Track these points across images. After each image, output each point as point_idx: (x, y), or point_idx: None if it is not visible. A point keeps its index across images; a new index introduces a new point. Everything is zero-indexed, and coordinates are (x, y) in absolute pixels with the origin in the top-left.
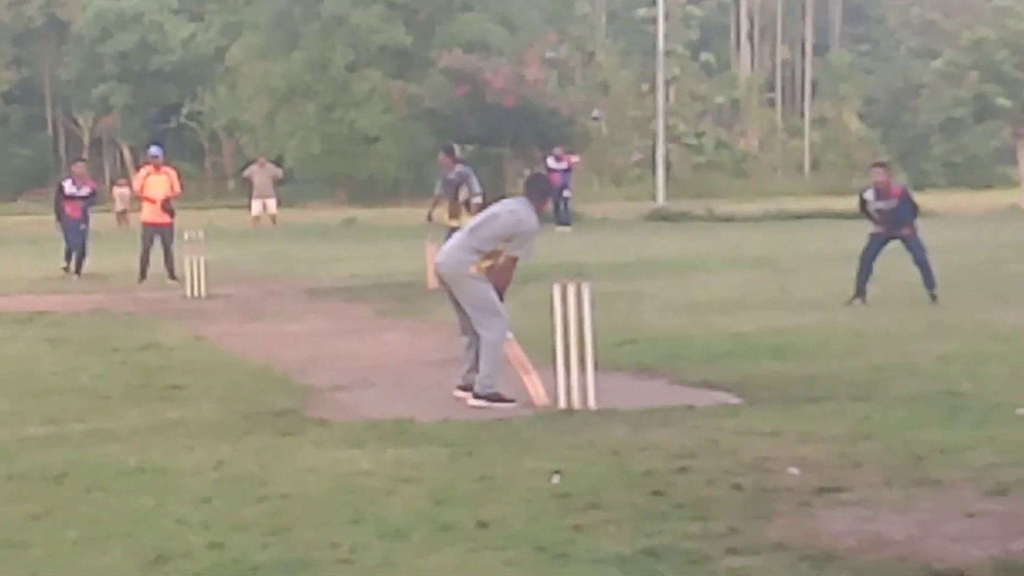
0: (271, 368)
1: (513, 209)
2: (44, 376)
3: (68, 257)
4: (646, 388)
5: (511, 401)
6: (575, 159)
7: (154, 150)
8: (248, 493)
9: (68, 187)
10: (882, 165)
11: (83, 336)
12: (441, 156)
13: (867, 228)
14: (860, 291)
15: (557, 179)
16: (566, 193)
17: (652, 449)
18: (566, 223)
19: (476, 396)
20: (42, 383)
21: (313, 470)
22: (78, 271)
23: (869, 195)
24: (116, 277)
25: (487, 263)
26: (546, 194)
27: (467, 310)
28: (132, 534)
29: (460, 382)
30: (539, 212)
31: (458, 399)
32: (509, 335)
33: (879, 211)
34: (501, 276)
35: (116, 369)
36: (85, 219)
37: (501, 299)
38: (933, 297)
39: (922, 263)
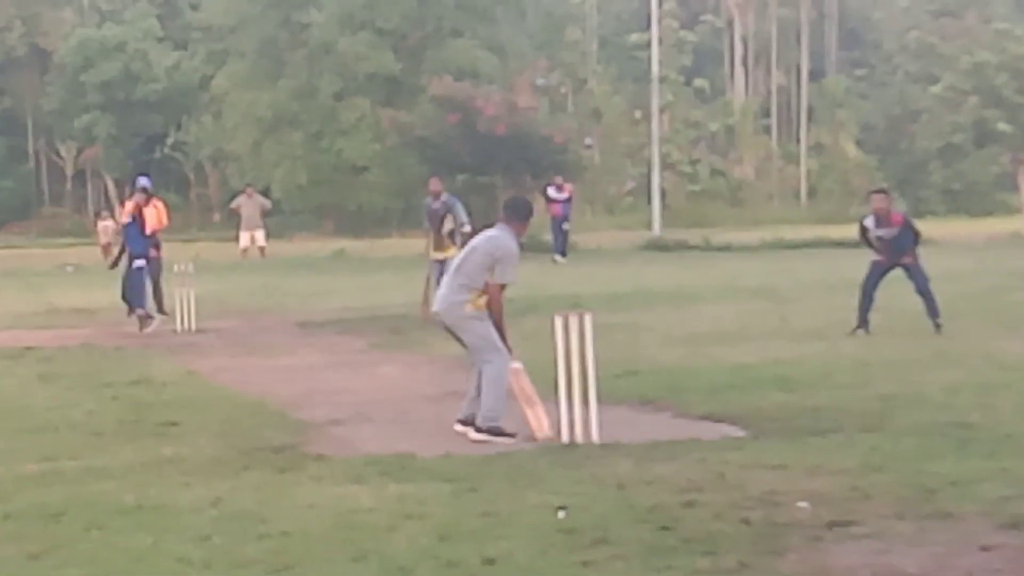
0: (266, 403)
1: (491, 236)
2: (37, 412)
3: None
4: (649, 421)
5: (512, 435)
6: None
7: (144, 181)
8: (248, 531)
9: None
10: (882, 192)
11: (74, 371)
12: (434, 180)
13: (867, 256)
14: (863, 321)
15: (559, 209)
16: (565, 226)
17: (658, 483)
18: (563, 253)
19: (478, 430)
20: (35, 419)
21: (313, 507)
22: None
23: (869, 222)
24: (104, 311)
25: (483, 299)
26: (526, 216)
27: (469, 349)
28: (133, 573)
29: (460, 415)
30: (519, 235)
31: (458, 433)
32: (518, 364)
33: (879, 239)
34: (492, 306)
35: (108, 405)
36: (140, 253)
37: (501, 330)
38: (938, 326)
39: (925, 292)
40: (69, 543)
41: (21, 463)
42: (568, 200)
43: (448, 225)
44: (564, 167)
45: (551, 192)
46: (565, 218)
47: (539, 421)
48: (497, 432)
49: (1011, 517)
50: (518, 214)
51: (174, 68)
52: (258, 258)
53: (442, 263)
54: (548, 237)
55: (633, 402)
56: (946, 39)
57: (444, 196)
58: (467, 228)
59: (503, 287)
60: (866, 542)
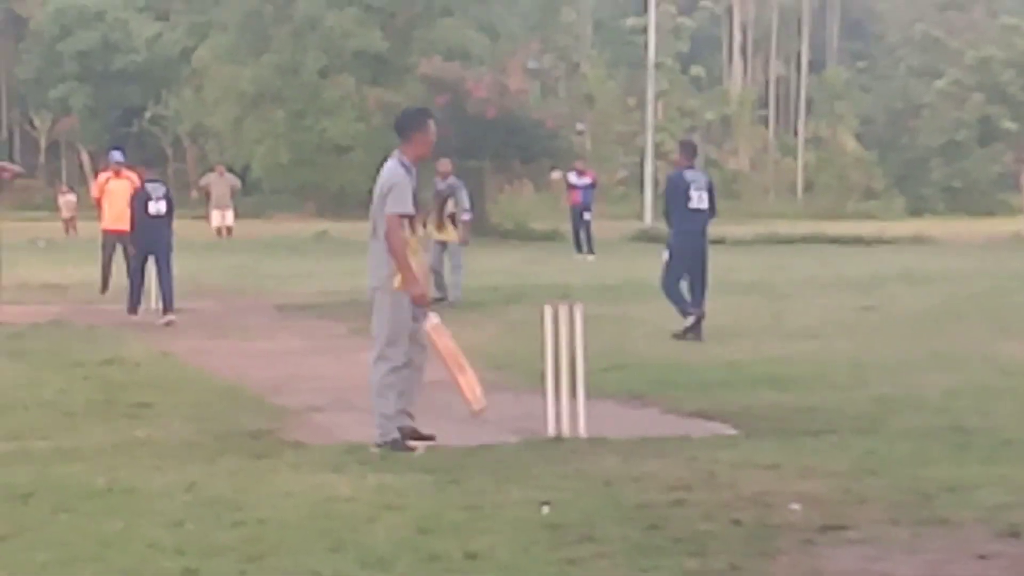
0: (242, 387)
1: (381, 173)
2: (4, 390)
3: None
4: (638, 416)
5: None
6: (557, 175)
7: (116, 155)
8: (222, 517)
9: None
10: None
11: (44, 349)
12: (443, 162)
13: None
14: None
15: (579, 196)
16: (587, 215)
17: (646, 480)
18: (591, 249)
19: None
20: (2, 397)
21: (290, 495)
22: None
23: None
24: (76, 288)
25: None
26: (407, 129)
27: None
28: (102, 558)
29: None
30: (412, 155)
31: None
32: (435, 320)
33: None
34: (389, 238)
35: (79, 384)
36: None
37: (402, 267)
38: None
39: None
40: (37, 526)
41: None
42: (591, 186)
43: (450, 208)
44: (555, 153)
45: (571, 178)
46: (587, 207)
47: (472, 390)
48: (397, 447)
49: (1009, 525)
50: (400, 131)
51: (154, 39)
52: (226, 238)
53: (442, 245)
54: (567, 228)
55: (622, 397)
56: (951, 33)
57: (451, 179)
58: (467, 216)
59: (401, 218)
60: (859, 547)
